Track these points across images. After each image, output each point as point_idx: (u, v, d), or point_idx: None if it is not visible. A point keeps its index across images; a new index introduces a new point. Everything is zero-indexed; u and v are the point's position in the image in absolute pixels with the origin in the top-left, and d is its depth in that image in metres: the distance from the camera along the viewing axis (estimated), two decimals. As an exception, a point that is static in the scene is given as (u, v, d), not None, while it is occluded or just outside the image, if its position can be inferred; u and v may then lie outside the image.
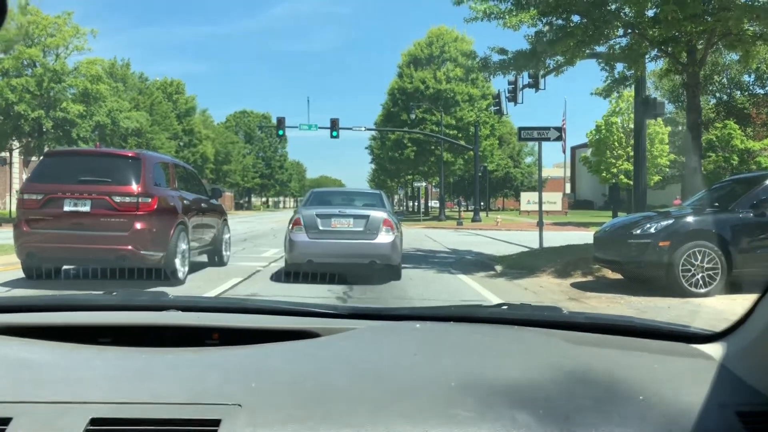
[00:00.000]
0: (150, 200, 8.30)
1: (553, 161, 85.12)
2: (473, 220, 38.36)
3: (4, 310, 1.54)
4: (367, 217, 9.47)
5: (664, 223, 7.91)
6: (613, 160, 33.55)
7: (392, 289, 8.69)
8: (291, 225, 9.59)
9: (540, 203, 14.97)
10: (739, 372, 1.14)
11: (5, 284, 8.45)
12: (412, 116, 40.49)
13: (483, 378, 1.12)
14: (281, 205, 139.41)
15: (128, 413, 0.98)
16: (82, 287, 7.47)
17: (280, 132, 38.16)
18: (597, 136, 35.95)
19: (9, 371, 1.15)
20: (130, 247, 8.11)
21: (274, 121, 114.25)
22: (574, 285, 9.14)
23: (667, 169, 35.91)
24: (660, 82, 30.90)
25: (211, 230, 10.75)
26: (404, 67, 43.02)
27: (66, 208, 8.18)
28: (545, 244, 14.27)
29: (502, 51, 13.54)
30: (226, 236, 11.71)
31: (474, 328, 1.48)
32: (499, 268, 11.35)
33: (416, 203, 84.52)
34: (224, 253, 11.45)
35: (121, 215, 8.18)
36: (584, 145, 79.05)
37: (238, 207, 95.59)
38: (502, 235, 25.94)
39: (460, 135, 40.92)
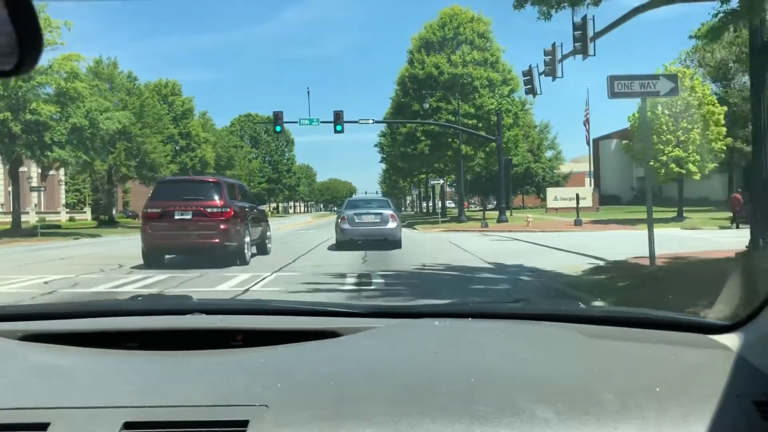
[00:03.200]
0: (228, 209, 12.53)
1: (570, 155, 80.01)
2: (499, 220, 33.84)
3: (34, 317, 1.59)
4: (381, 213, 16.99)
5: None
6: (662, 146, 28.85)
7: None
8: (339, 220, 17.29)
9: (649, 196, 10.29)
10: (755, 362, 1.13)
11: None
12: (426, 106, 35.98)
13: (502, 374, 1.14)
14: (291, 210, 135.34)
15: (159, 416, 1.00)
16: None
17: (278, 128, 33.86)
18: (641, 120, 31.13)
19: (43, 377, 1.18)
20: (217, 240, 12.37)
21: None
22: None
23: (723, 155, 31.15)
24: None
25: (260, 228, 14.92)
26: (415, 52, 38.53)
27: (176, 217, 12.45)
28: (598, 250, 9.65)
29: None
30: (268, 233, 16.05)
31: (492, 324, 1.47)
32: (599, 304, 6.81)
33: (430, 203, 79.90)
34: (268, 245, 15.75)
35: (211, 220, 12.38)
36: (608, 137, 74.49)
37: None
38: (541, 238, 21.37)
39: (480, 125, 36.38)
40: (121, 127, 38.21)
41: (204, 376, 1.17)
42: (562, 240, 19.91)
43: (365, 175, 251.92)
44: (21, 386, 1.13)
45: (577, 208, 29.56)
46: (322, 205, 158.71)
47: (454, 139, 36.64)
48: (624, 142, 34.59)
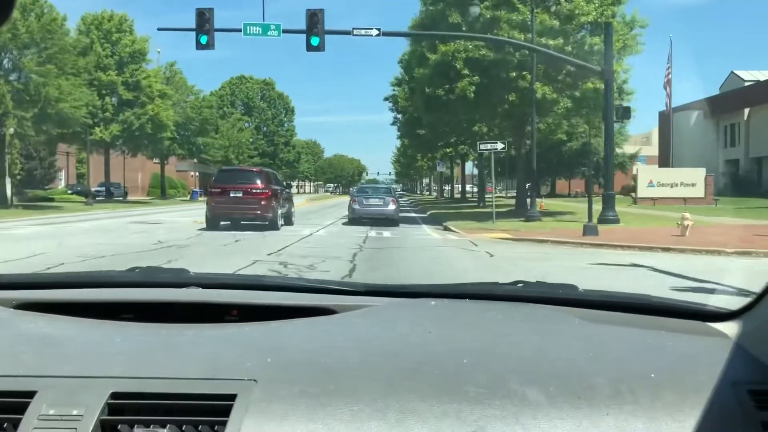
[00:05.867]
0: (267, 191, 17.73)
1: (633, 131, 63.40)
2: (603, 219, 18.35)
3: (28, 287, 1.60)
4: (384, 198, 21.69)
5: None
6: None
7: None
8: (351, 201, 22.34)
9: None
10: (753, 350, 1.14)
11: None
12: (474, 12, 20.39)
13: (495, 355, 1.14)
14: (295, 191, 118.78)
15: (148, 388, 1.01)
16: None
17: (203, 38, 18.42)
18: None
19: (34, 346, 1.18)
20: (259, 212, 17.52)
21: (279, 89, 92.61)
22: None
23: None
24: None
25: (287, 205, 20.22)
26: (454, -69, 22.77)
27: (231, 195, 17.44)
28: None
29: None
30: (293, 209, 21.37)
31: (489, 305, 1.49)
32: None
33: (454, 186, 64.05)
34: (292, 218, 20.77)
35: (255, 198, 17.50)
36: (685, 108, 58.21)
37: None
38: None
39: (570, 50, 20.73)
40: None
41: (195, 349, 1.16)
42: None
43: (378, 157, 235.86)
44: (10, 354, 1.13)
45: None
46: (332, 186, 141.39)
47: (521, 74, 21.06)
48: None
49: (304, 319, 1.31)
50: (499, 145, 19.29)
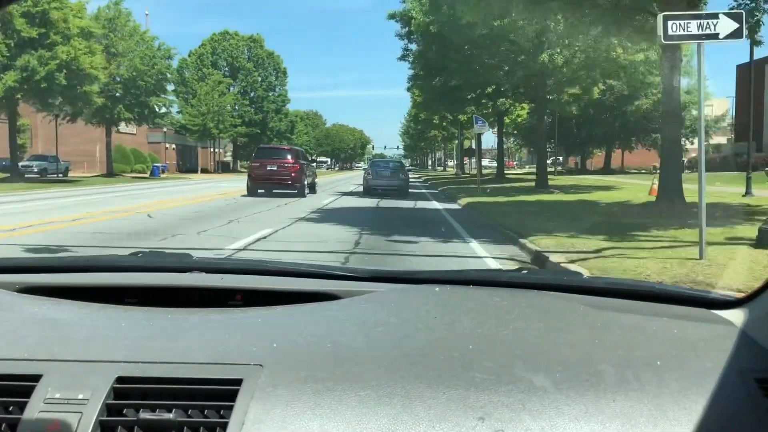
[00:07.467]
0: (297, 165, 22.26)
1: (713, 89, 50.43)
2: None
3: (33, 271, 1.59)
4: (395, 171, 25.07)
5: None
6: None
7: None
8: (366, 174, 25.87)
9: None
10: (759, 339, 1.13)
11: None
12: None
13: (501, 341, 1.14)
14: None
15: (153, 372, 1.01)
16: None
17: None
18: None
19: (39, 330, 1.18)
20: (290, 182, 21.94)
21: (268, 47, 79.33)
22: None
23: None
24: None
25: (311, 177, 24.67)
26: None
27: (268, 168, 21.93)
28: None
29: None
30: (316, 180, 26.28)
31: (494, 291, 1.47)
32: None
33: (481, 160, 51.20)
34: (315, 187, 25.32)
35: (288, 171, 21.92)
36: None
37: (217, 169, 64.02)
38: None
39: None
40: None
41: (200, 333, 1.16)
42: None
43: (384, 131, 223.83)
44: (15, 337, 1.14)
45: None
46: (333, 161, 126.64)
47: None
48: None
49: (308, 305, 1.30)
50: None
